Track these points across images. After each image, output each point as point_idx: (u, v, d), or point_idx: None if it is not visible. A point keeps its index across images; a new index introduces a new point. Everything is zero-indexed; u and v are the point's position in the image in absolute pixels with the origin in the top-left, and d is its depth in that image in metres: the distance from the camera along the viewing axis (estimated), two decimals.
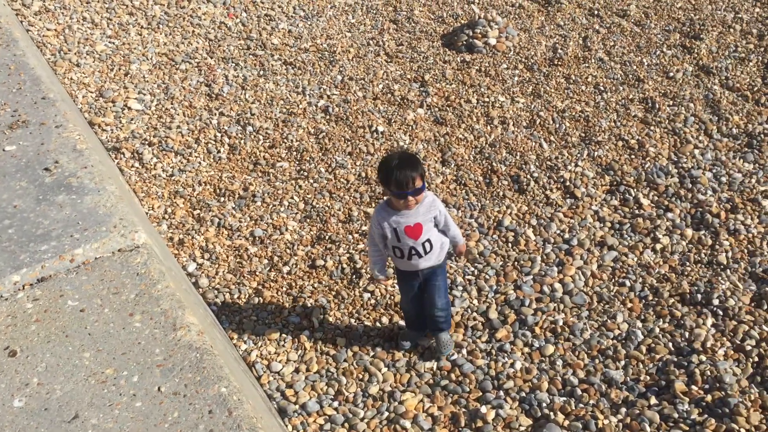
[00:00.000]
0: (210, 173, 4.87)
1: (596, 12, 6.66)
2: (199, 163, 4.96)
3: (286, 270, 4.10)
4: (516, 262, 4.09)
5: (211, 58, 6.29)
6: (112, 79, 5.83)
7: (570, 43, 6.18)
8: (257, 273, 4.08)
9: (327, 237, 4.33)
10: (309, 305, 3.86)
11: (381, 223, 3.07)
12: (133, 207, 3.24)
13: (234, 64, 6.19)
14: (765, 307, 3.60)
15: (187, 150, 5.06)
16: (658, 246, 4.13)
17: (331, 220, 4.45)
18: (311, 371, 3.50)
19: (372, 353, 3.58)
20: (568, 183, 4.64)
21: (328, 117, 5.41)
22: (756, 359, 3.29)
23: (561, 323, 3.63)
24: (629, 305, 3.75)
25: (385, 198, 3.16)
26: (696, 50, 5.92)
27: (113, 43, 6.37)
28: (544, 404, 3.21)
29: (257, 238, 4.33)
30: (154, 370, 1.98)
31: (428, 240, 3.10)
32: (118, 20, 6.69)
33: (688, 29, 6.24)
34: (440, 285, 3.33)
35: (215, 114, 5.47)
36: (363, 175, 4.81)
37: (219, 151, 5.08)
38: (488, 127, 5.23)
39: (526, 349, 3.55)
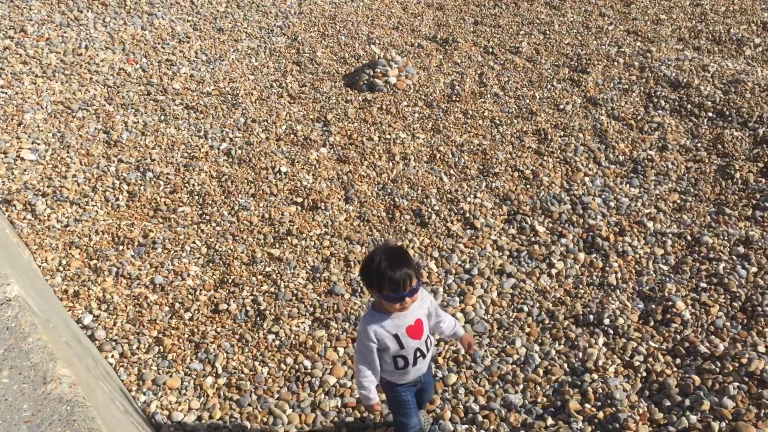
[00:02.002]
0: (108, 222, 4.75)
1: (491, 50, 6.94)
2: (96, 211, 4.84)
3: (187, 316, 4.03)
4: None
5: (110, 104, 6.19)
6: (4, 130, 5.64)
7: (467, 80, 6.40)
8: (158, 321, 3.99)
9: (230, 280, 4.28)
10: (212, 350, 3.79)
11: (378, 334, 2.56)
12: (10, 260, 3.12)
13: (134, 110, 6.11)
14: (651, 323, 3.78)
15: (84, 199, 4.93)
16: (554, 271, 4.28)
17: (234, 263, 4.41)
18: (214, 418, 3.44)
19: (277, 395, 3.54)
20: (467, 214, 4.76)
21: (230, 160, 5.40)
22: (644, 374, 3.44)
23: (463, 352, 3.69)
24: (527, 330, 3.86)
25: (372, 303, 2.66)
26: (583, 83, 6.24)
27: (5, 92, 6.17)
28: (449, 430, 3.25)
29: (157, 286, 4.24)
30: (21, 427, 1.90)
31: (428, 336, 2.71)
32: (11, 69, 6.50)
33: (576, 64, 6.57)
34: (431, 380, 3.04)
35: (113, 161, 5.36)
36: (266, 216, 4.81)
37: (117, 199, 4.97)
38: (390, 164, 5.33)
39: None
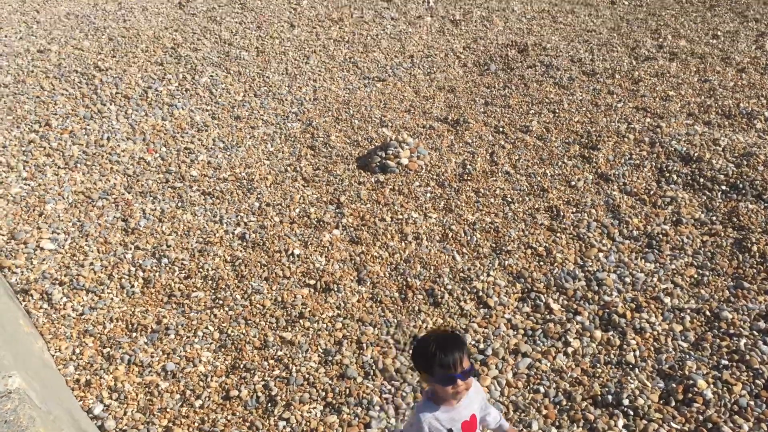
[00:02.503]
0: (122, 309, 4.78)
1: (501, 129, 7.05)
2: (111, 299, 4.88)
3: (198, 404, 3.98)
4: None
5: (129, 193, 6.33)
6: (25, 221, 5.77)
7: (478, 159, 6.48)
8: (168, 410, 3.95)
9: (242, 365, 4.25)
10: None
11: (432, 426, 2.44)
12: (14, 351, 3.13)
13: (152, 198, 6.23)
14: (672, 403, 3.66)
15: (99, 287, 4.98)
16: (570, 349, 4.19)
17: (246, 348, 4.38)
18: None
19: None
20: (481, 293, 4.72)
21: (244, 244, 5.45)
22: None
23: None
24: (544, 412, 3.75)
25: (426, 393, 2.56)
26: (594, 160, 6.28)
27: (29, 184, 6.35)
28: None
29: (169, 373, 4.21)
30: None
31: None
32: (34, 162, 6.71)
33: (586, 141, 6.64)
34: None
35: (130, 248, 5.44)
36: (279, 299, 4.81)
37: (132, 286, 5.01)
38: (402, 244, 5.34)
39: None
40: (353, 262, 5.18)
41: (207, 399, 4.02)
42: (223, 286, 4.97)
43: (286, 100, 8.36)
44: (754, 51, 8.61)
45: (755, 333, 4.07)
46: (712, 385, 3.71)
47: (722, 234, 5.11)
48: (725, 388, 3.67)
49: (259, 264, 5.19)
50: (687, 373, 3.80)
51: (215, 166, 6.83)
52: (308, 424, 3.80)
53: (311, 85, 8.77)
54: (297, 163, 6.78)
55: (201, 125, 7.70)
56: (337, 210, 5.86)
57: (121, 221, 5.87)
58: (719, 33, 9.37)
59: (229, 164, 6.85)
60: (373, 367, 4.17)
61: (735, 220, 5.24)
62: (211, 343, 4.46)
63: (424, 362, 2.39)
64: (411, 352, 2.53)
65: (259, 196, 6.18)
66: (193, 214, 5.95)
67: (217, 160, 6.94)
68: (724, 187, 5.63)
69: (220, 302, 4.82)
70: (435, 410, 2.46)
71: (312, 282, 4.97)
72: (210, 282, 5.03)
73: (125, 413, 3.93)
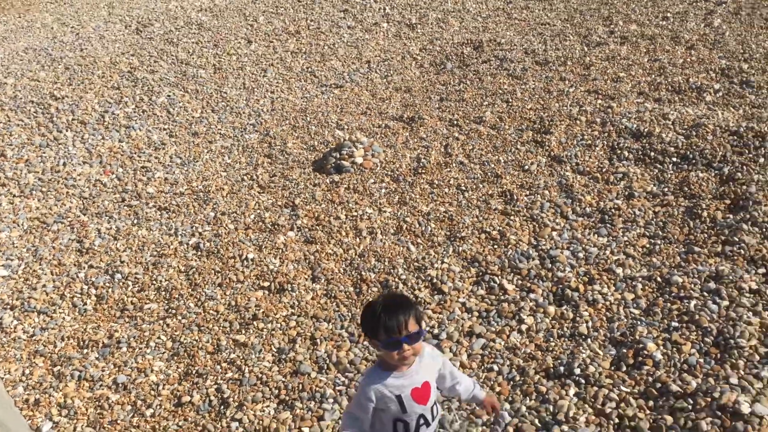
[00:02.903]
0: (74, 327, 4.71)
1: (455, 122, 7.05)
2: (63, 318, 4.81)
3: (149, 413, 3.92)
4: None
5: (84, 215, 6.27)
6: None
7: (432, 152, 6.47)
8: (118, 421, 3.88)
9: (194, 371, 4.19)
10: None
11: (378, 392, 2.33)
12: None
13: (108, 218, 6.18)
14: (623, 368, 3.63)
15: (51, 307, 4.91)
16: (524, 327, 4.16)
17: (199, 354, 4.32)
18: None
19: None
20: (435, 280, 4.69)
21: (198, 253, 5.40)
22: (616, 420, 3.27)
23: (485, 418, 3.52)
24: (498, 389, 3.71)
25: (376, 360, 2.46)
26: (547, 143, 6.29)
27: None
28: None
29: (120, 385, 4.14)
30: None
31: (435, 403, 2.47)
32: None
33: (539, 126, 6.65)
34: None
35: (84, 267, 5.37)
36: (233, 303, 4.75)
37: (85, 304, 4.94)
38: (357, 239, 5.31)
39: None
40: (308, 261, 5.13)
41: (158, 407, 3.95)
42: (177, 296, 4.91)
43: (243, 113, 8.33)
44: (702, 29, 8.68)
45: (705, 294, 4.05)
46: (661, 347, 3.68)
47: (674, 204, 5.11)
48: (675, 349, 3.64)
49: (213, 271, 5.13)
50: (638, 338, 3.78)
51: (172, 181, 6.79)
52: (261, 422, 3.74)
53: (269, 96, 8.75)
54: (254, 172, 6.75)
55: (158, 144, 7.66)
56: (291, 212, 5.82)
57: (75, 242, 5.81)
58: (669, 14, 9.44)
59: (186, 179, 6.81)
60: (327, 361, 4.12)
61: (686, 189, 5.24)
62: (163, 353, 4.40)
63: (369, 326, 2.29)
64: (360, 315, 2.43)
65: (214, 206, 6.14)
66: (148, 229, 5.89)
67: (174, 176, 6.89)
68: (674, 159, 5.64)
69: (173, 312, 4.75)
70: (384, 377, 2.34)
71: (266, 284, 4.92)
72: (163, 293, 4.97)
73: (74, 429, 3.86)
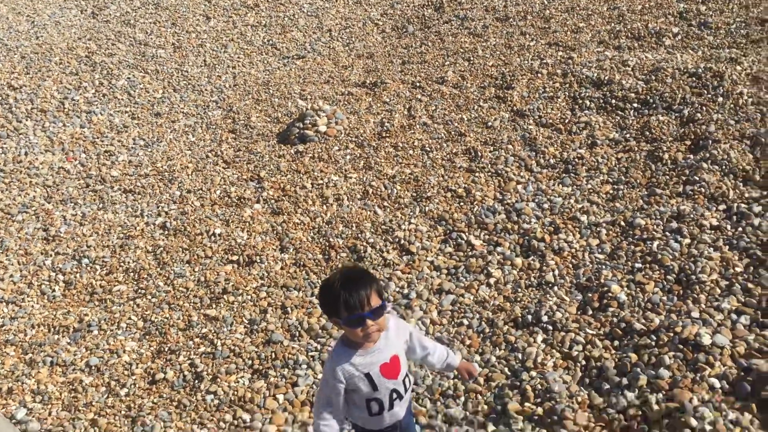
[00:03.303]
0: (44, 314, 4.67)
1: (418, 84, 7.01)
2: (32, 306, 4.76)
3: (123, 392, 3.91)
4: None
5: (49, 203, 6.18)
6: None
7: (396, 116, 6.44)
8: (93, 403, 3.86)
9: (167, 348, 4.18)
10: (149, 422, 3.65)
11: (346, 373, 2.22)
12: None
13: (73, 204, 6.10)
14: (589, 312, 3.67)
15: (20, 296, 4.86)
16: (492, 280, 4.19)
17: (171, 331, 4.31)
18: None
19: None
20: (403, 241, 4.69)
21: (165, 232, 5.36)
22: (583, 362, 3.32)
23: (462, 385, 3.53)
24: (468, 342, 3.74)
25: (340, 338, 2.33)
26: (509, 99, 6.27)
27: None
28: None
29: (93, 367, 4.13)
30: None
31: (407, 374, 2.36)
32: None
33: (501, 82, 6.63)
34: (411, 422, 2.64)
35: (51, 255, 5.32)
36: (202, 279, 4.73)
37: (53, 290, 4.90)
38: (324, 207, 5.29)
39: None
40: (275, 232, 5.11)
41: (132, 386, 3.95)
42: (145, 276, 4.88)
43: (205, 90, 8.22)
44: None
45: (667, 234, 4.10)
46: (625, 288, 3.72)
47: (636, 149, 5.13)
48: (638, 289, 3.69)
49: (180, 249, 5.10)
50: (603, 281, 3.81)
51: (136, 163, 6.71)
52: (236, 393, 3.75)
53: (230, 72, 8.64)
54: (218, 148, 6.69)
55: (120, 127, 7.55)
56: (257, 185, 5.78)
57: (41, 231, 5.73)
58: None
59: (150, 160, 6.73)
60: (299, 329, 4.12)
61: (647, 133, 5.26)
62: (135, 333, 4.38)
63: (329, 304, 2.16)
64: (318, 293, 2.32)
65: (180, 185, 6.08)
66: (114, 212, 5.83)
67: (138, 158, 6.81)
68: (635, 105, 5.66)
69: (143, 292, 4.73)
70: (350, 356, 2.22)
71: (235, 258, 4.90)
72: (132, 274, 4.94)
73: (50, 413, 3.84)
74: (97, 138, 7.36)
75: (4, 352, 4.36)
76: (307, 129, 6.34)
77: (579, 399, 3.06)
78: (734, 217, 4.07)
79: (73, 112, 7.99)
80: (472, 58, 7.34)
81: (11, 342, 4.45)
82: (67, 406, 3.88)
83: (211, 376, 3.89)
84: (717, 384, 2.89)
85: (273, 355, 3.93)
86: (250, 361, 3.96)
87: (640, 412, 2.87)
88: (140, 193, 6.08)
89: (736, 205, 4.16)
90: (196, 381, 3.89)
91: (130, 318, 4.50)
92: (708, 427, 2.65)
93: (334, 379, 2.22)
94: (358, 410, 2.32)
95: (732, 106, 5.21)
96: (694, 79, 5.69)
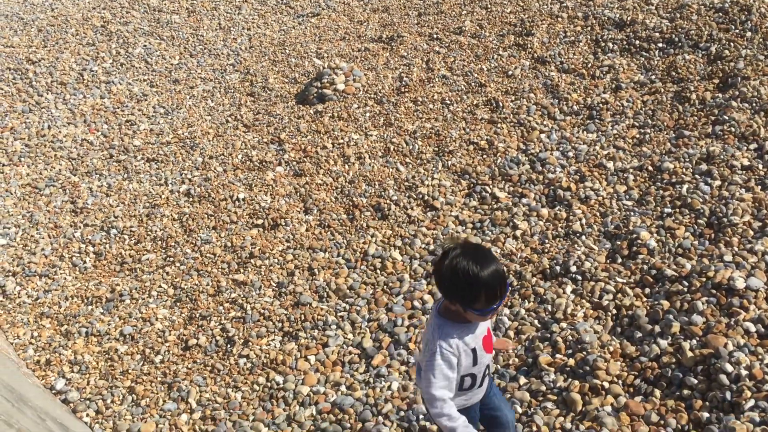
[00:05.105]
0: (77, 286, 4.75)
1: (435, 36, 6.87)
2: (65, 278, 4.84)
3: (158, 359, 3.98)
4: (385, 286, 4.05)
5: (75, 175, 6.23)
6: None
7: (414, 70, 6.33)
8: (129, 371, 3.94)
9: (198, 315, 4.23)
10: (184, 387, 3.72)
11: (458, 349, 2.11)
12: None
13: (98, 175, 6.14)
14: (619, 260, 3.62)
15: (52, 269, 4.94)
16: (518, 232, 4.15)
17: (201, 297, 4.35)
18: None
19: (252, 417, 3.45)
20: (427, 197, 4.66)
21: (190, 199, 5.38)
22: (614, 311, 3.28)
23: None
24: None
25: (437, 310, 2.18)
26: (530, 45, 6.12)
27: None
28: (422, 416, 3.12)
29: (127, 336, 4.20)
30: None
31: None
32: None
33: (520, 29, 6.46)
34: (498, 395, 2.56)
35: (80, 227, 5.38)
36: (228, 244, 4.76)
37: (84, 262, 4.97)
38: (346, 166, 5.26)
39: (403, 368, 3.48)
40: (299, 194, 5.10)
41: (166, 353, 4.01)
42: (173, 244, 4.92)
43: (222, 54, 8.16)
44: None
45: (697, 177, 4.00)
46: (655, 234, 3.66)
47: (662, 90, 4.99)
48: (668, 235, 3.62)
49: (206, 215, 5.12)
50: (631, 228, 3.75)
51: (157, 132, 6.71)
52: (268, 356, 3.79)
53: (246, 34, 8.55)
54: (237, 112, 6.65)
55: (140, 96, 7.54)
56: (278, 148, 5.76)
57: (69, 204, 5.79)
58: None
59: (171, 127, 6.73)
60: (327, 290, 4.14)
61: (673, 74, 5.11)
62: (166, 300, 4.44)
63: (466, 293, 1.98)
64: (438, 278, 2.08)
65: (202, 151, 6.08)
66: (138, 182, 5.86)
67: (159, 126, 6.81)
68: (660, 45, 5.48)
69: (171, 259, 4.77)
70: (457, 331, 2.11)
71: (260, 221, 4.91)
72: (159, 242, 4.98)
73: (88, 383, 3.93)
74: (118, 108, 7.37)
75: (40, 325, 4.45)
76: (325, 88, 6.27)
77: (611, 349, 3.03)
78: (766, 156, 3.96)
79: (92, 83, 7.99)
80: (489, 6, 7.15)
81: (46, 315, 4.54)
82: (104, 375, 3.97)
83: (242, 340, 3.93)
84: (752, 328, 2.84)
85: (302, 317, 3.96)
86: (280, 324, 3.99)
87: (673, 360, 2.84)
88: (163, 161, 6.09)
89: (767, 143, 4.04)
90: (228, 345, 3.94)
91: (160, 286, 4.55)
92: (744, 372, 2.61)
93: (452, 354, 2.09)
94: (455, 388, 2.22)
95: (761, 40, 5.02)
96: (720, 14, 5.49)
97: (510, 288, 1.93)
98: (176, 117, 6.91)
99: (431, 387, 2.10)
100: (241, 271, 4.50)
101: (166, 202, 5.42)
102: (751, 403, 2.49)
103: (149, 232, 5.11)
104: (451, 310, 2.09)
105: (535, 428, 2.81)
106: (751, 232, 3.42)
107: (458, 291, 2.00)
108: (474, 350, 2.13)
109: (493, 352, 2.20)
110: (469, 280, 1.94)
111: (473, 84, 5.85)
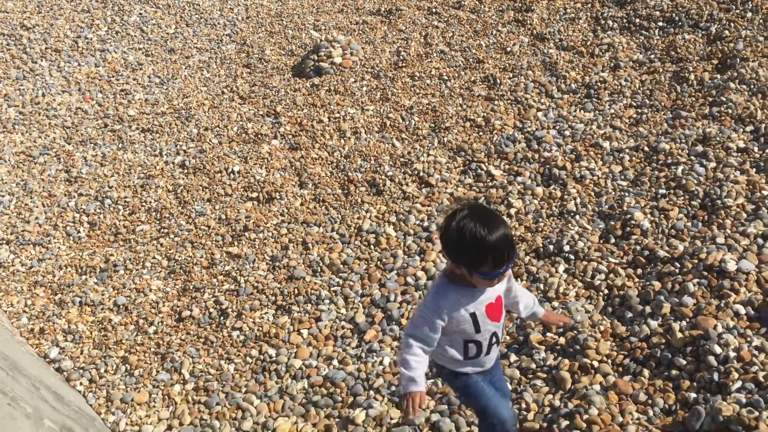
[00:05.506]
0: (70, 255, 4.75)
1: (434, 10, 6.81)
2: (59, 248, 4.84)
3: (152, 330, 4.00)
4: (379, 262, 4.06)
5: (69, 144, 6.19)
6: None
7: (412, 44, 6.28)
8: (123, 341, 3.96)
9: (191, 287, 4.24)
10: (177, 358, 3.74)
11: (452, 312, 2.04)
12: None
13: (93, 145, 6.11)
14: (612, 240, 3.63)
15: (46, 238, 4.94)
16: (513, 210, 4.15)
17: (195, 269, 4.36)
18: (184, 424, 3.39)
19: (244, 389, 3.48)
20: (422, 173, 4.65)
21: (185, 171, 5.37)
22: (606, 291, 3.31)
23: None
24: None
25: (443, 273, 2.11)
26: (529, 21, 6.08)
27: None
28: None
29: (121, 306, 4.21)
30: None
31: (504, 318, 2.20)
32: None
33: (520, 4, 6.41)
34: (502, 378, 2.50)
35: (74, 196, 5.36)
36: (223, 217, 4.76)
37: (78, 232, 4.96)
38: (341, 141, 5.24)
39: (395, 343, 3.50)
40: (294, 168, 5.09)
41: (160, 324, 4.03)
42: (167, 215, 4.91)
43: (218, 24, 8.07)
44: None
45: (692, 158, 4.01)
46: (649, 215, 3.67)
47: (661, 70, 4.98)
48: (662, 216, 3.63)
49: (200, 187, 5.11)
50: (625, 209, 3.76)
51: (152, 102, 6.66)
52: (261, 329, 3.81)
53: (242, 4, 8.45)
54: (233, 84, 6.61)
55: (135, 65, 7.47)
56: (274, 121, 5.73)
57: (63, 172, 5.77)
58: None
59: (166, 98, 6.68)
60: (320, 264, 4.15)
61: (673, 53, 5.09)
62: (160, 272, 4.45)
63: (471, 255, 1.91)
64: (444, 241, 2.01)
65: (197, 122, 6.04)
66: (133, 152, 5.83)
67: (155, 96, 6.76)
68: (660, 23, 5.45)
69: (166, 231, 4.77)
70: (457, 293, 2.04)
71: (254, 195, 4.90)
72: (154, 213, 4.98)
73: (81, 352, 3.95)
74: (113, 77, 7.30)
75: (34, 294, 4.46)
76: (322, 61, 6.23)
77: (601, 328, 3.06)
78: (762, 139, 3.96)
79: (87, 51, 7.91)
80: None
81: (40, 283, 4.54)
82: (97, 344, 3.99)
83: (235, 313, 3.95)
84: (742, 310, 2.86)
85: (296, 291, 3.98)
86: (273, 298, 4.01)
87: (663, 340, 2.87)
88: (158, 132, 6.06)
89: (764, 126, 4.04)
90: (222, 318, 3.96)
91: (154, 257, 4.55)
92: (732, 354, 2.64)
93: (436, 315, 2.03)
94: (452, 352, 2.16)
95: (761, 21, 5.00)
96: None
97: (517, 253, 1.85)
98: (171, 87, 6.86)
99: (405, 331, 2.11)
100: (235, 244, 4.50)
101: (161, 174, 5.41)
102: (738, 384, 2.52)
103: (144, 203, 5.10)
104: (456, 274, 2.02)
105: (524, 405, 2.84)
106: (744, 215, 3.43)
107: (464, 254, 1.93)
108: (474, 315, 2.05)
109: (502, 321, 2.13)
110: (476, 242, 1.87)
111: (471, 60, 5.81)
